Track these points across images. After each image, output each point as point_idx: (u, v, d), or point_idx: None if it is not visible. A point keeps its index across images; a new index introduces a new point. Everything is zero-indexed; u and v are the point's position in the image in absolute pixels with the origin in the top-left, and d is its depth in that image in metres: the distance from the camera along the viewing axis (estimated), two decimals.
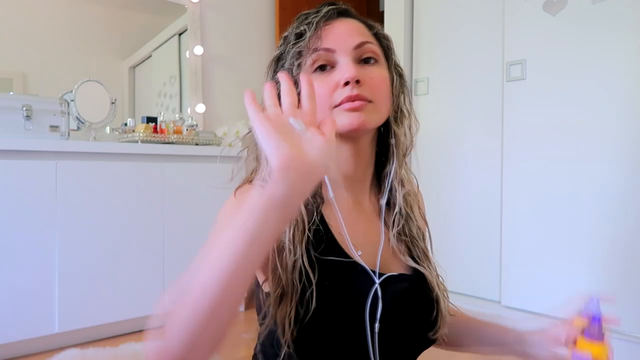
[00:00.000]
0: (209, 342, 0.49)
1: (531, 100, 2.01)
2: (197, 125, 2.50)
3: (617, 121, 1.77)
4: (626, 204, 1.74)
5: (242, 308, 2.45)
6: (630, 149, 1.73)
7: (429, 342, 0.71)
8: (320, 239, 0.66)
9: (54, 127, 1.96)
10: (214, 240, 0.50)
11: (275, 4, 3.08)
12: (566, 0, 1.90)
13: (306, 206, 0.67)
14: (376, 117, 0.68)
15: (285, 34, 0.72)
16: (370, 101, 0.66)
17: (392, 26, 2.57)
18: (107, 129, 2.39)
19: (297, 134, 0.47)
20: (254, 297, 0.73)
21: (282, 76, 0.51)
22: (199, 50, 2.74)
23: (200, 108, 2.75)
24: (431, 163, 2.38)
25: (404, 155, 0.74)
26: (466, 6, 2.30)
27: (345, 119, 0.65)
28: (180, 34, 2.76)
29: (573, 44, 1.88)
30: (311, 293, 0.61)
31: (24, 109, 1.88)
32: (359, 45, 0.68)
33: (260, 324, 0.66)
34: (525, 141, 2.03)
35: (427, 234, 0.79)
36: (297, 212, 0.53)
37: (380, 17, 2.84)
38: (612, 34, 1.78)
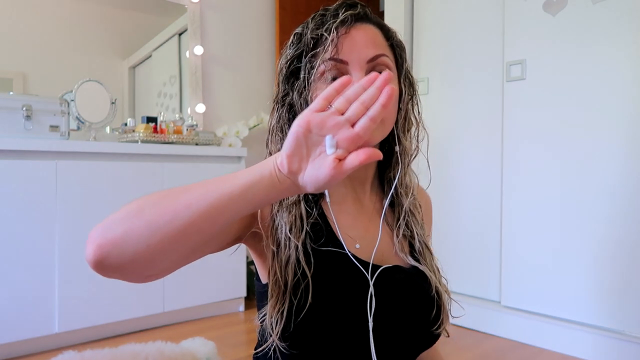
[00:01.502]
0: (158, 257, 0.49)
1: (531, 100, 2.01)
2: (197, 125, 2.50)
3: (617, 121, 1.77)
4: (627, 203, 1.74)
5: (241, 308, 2.45)
6: (631, 149, 1.74)
7: (432, 337, 0.72)
8: (319, 232, 0.68)
9: (54, 127, 1.96)
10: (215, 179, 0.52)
11: (275, 4, 3.08)
12: (566, 0, 1.90)
13: (305, 201, 0.68)
14: (380, 134, 0.68)
15: (298, 31, 0.71)
16: None
17: (392, 26, 2.55)
18: (107, 129, 2.39)
19: (318, 150, 0.47)
20: (254, 298, 0.74)
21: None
22: (199, 50, 2.75)
23: (200, 108, 2.75)
24: (431, 163, 2.37)
25: (409, 162, 0.76)
26: (466, 6, 2.30)
27: None
28: (180, 34, 2.76)
29: (573, 44, 1.88)
30: (306, 285, 0.62)
31: (24, 109, 1.88)
32: (373, 59, 0.67)
33: (261, 322, 0.67)
34: (525, 141, 2.04)
35: (430, 235, 0.80)
36: (284, 196, 0.55)
37: (380, 17, 2.84)
38: (612, 34, 1.78)
